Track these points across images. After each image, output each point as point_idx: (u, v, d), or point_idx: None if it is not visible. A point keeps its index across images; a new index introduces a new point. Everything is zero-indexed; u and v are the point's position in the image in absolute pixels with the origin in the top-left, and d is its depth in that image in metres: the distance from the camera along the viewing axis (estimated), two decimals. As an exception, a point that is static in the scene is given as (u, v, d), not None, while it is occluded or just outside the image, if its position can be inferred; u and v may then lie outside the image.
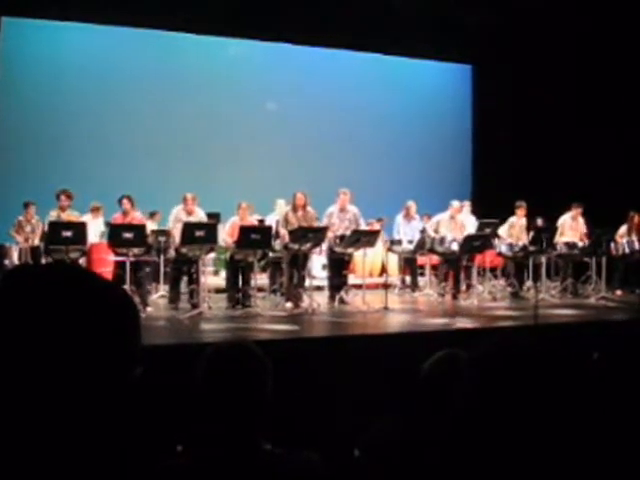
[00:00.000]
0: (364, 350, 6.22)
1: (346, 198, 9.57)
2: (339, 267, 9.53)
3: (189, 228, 8.39)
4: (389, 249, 10.65)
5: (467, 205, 11.81)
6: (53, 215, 9.03)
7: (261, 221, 10.15)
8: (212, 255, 10.22)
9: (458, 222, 10.64)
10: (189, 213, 9.13)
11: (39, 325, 0.85)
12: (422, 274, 11.66)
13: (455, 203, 10.70)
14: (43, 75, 12.61)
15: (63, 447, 0.85)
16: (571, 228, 10.95)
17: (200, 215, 9.25)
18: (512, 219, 10.77)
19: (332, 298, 9.30)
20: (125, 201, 8.93)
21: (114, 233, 8.46)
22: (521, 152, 13.68)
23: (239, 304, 8.84)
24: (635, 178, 11.49)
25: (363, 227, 9.74)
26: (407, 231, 10.86)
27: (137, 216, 9.08)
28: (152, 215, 10.59)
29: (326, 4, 12.71)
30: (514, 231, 10.69)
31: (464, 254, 10.15)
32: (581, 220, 11.01)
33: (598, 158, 12.28)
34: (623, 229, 11.02)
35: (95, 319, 0.88)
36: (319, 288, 10.11)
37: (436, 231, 10.49)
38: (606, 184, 11.80)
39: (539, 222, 11.17)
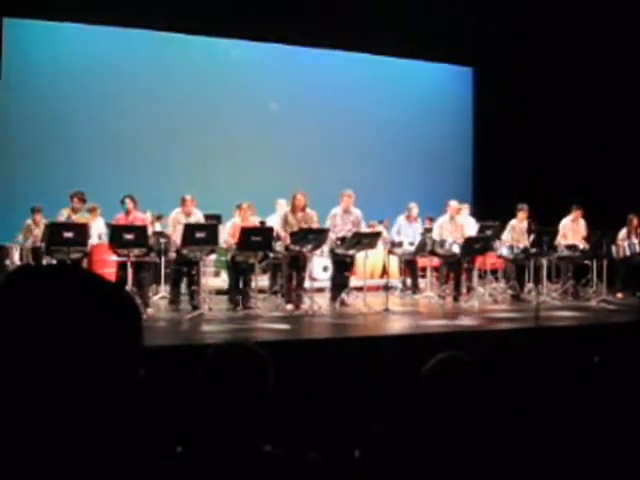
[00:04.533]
0: (365, 352, 6.22)
1: (350, 200, 9.63)
2: (343, 267, 9.54)
3: (190, 229, 8.39)
4: (390, 251, 10.65)
5: (466, 207, 11.80)
6: (64, 214, 9.04)
7: (262, 223, 10.13)
8: (213, 256, 10.21)
9: (458, 223, 10.63)
10: (187, 214, 9.13)
11: (41, 326, 0.85)
12: (423, 276, 11.64)
13: (453, 203, 10.68)
14: (45, 76, 12.60)
15: (65, 448, 0.85)
16: (572, 230, 10.95)
17: (198, 216, 9.26)
18: (513, 222, 10.76)
19: (334, 299, 9.29)
20: (128, 200, 8.94)
21: (115, 234, 8.45)
22: (522, 154, 13.67)
23: (240, 305, 8.85)
24: (635, 180, 11.48)
25: (364, 229, 9.76)
26: (408, 233, 10.85)
27: (139, 216, 9.08)
28: (158, 218, 10.57)
29: (328, 6, 12.71)
30: (515, 234, 10.68)
31: (465, 256, 10.14)
32: (582, 222, 11.00)
33: (598, 160, 12.28)
34: (623, 232, 11.00)
35: (97, 320, 0.88)
36: (320, 290, 10.10)
37: (439, 234, 10.48)
38: (607, 186, 11.79)
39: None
